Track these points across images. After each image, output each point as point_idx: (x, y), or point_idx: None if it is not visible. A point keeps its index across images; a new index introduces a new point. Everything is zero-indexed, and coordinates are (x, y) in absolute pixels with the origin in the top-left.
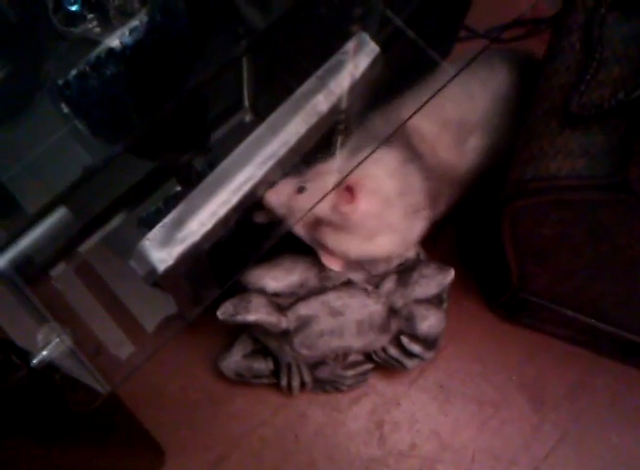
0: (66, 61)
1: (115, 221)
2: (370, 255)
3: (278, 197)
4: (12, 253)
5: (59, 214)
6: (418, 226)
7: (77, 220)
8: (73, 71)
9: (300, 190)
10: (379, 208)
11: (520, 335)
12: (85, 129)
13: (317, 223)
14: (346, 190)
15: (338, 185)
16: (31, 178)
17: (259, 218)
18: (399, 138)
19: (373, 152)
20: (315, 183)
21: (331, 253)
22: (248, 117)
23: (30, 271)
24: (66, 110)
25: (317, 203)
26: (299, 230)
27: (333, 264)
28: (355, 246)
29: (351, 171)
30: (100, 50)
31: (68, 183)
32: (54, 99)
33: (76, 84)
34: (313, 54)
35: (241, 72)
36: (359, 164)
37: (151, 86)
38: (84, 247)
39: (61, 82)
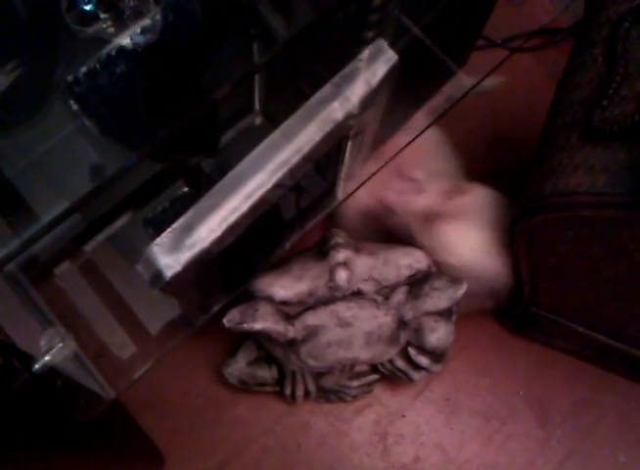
0: (79, 60)
1: (121, 221)
2: (477, 247)
3: (396, 196)
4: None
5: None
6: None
7: (84, 220)
8: (83, 69)
9: (419, 190)
10: (484, 201)
11: (528, 349)
12: (94, 128)
13: (430, 217)
14: (459, 189)
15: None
16: (39, 176)
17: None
18: None
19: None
20: (430, 186)
21: (444, 247)
22: (258, 121)
23: (35, 271)
24: (74, 107)
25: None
26: (416, 225)
27: (447, 258)
28: (465, 233)
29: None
30: (110, 48)
31: (75, 183)
32: (64, 97)
33: (86, 81)
34: (327, 59)
35: (252, 76)
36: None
37: (161, 86)
38: (89, 246)
39: (70, 79)
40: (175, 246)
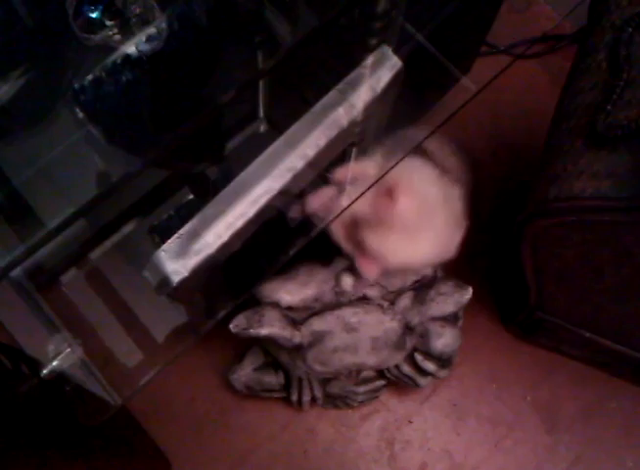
0: (85, 68)
1: (128, 229)
2: (409, 256)
3: (319, 200)
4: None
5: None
6: (458, 236)
7: (90, 227)
8: (89, 77)
9: (341, 192)
10: (418, 208)
11: (535, 355)
12: (100, 135)
13: (356, 224)
14: (387, 190)
15: (373, 185)
16: (45, 183)
17: (294, 214)
18: (423, 154)
19: (403, 158)
20: (354, 186)
21: (369, 256)
22: (262, 128)
23: (42, 278)
24: (80, 115)
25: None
26: (338, 230)
27: (368, 270)
28: (395, 244)
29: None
30: (116, 56)
31: (81, 190)
32: (70, 104)
33: (92, 89)
34: (332, 66)
35: (256, 83)
36: (392, 167)
37: (166, 95)
38: (95, 253)
39: (76, 87)
40: (182, 252)
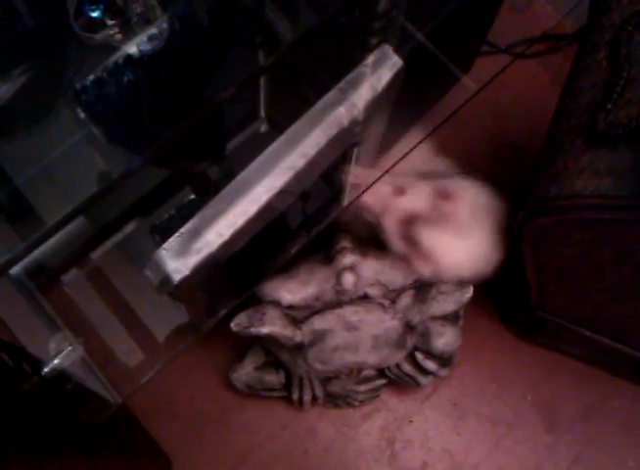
0: (86, 67)
1: (128, 228)
2: (459, 258)
3: (375, 198)
4: (25, 258)
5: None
6: (500, 246)
7: (91, 226)
8: (91, 77)
9: (400, 192)
10: (472, 213)
11: (535, 354)
12: (101, 135)
13: (412, 221)
14: (446, 192)
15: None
16: (47, 183)
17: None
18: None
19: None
20: (414, 188)
21: (422, 253)
22: (263, 128)
23: (43, 277)
24: (82, 115)
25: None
26: (391, 227)
27: (423, 266)
28: (448, 244)
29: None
30: (117, 56)
31: (82, 190)
32: (72, 104)
33: (93, 90)
34: (333, 65)
35: (257, 83)
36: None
37: (167, 95)
38: (97, 253)
39: (78, 87)
40: (183, 250)
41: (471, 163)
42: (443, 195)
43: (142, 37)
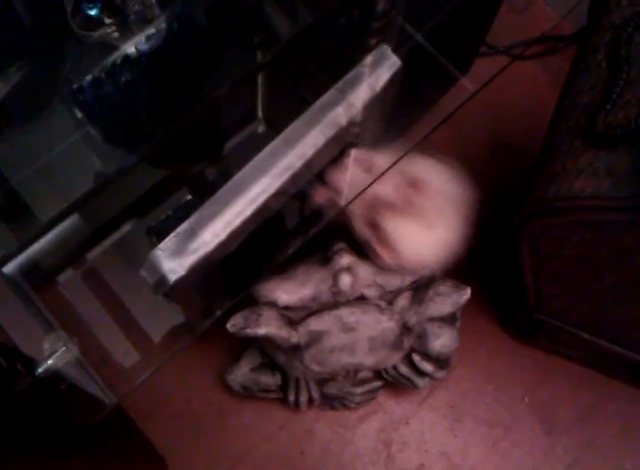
0: (83, 65)
1: (125, 229)
2: (423, 248)
3: (343, 176)
4: (20, 257)
5: (68, 220)
6: (468, 237)
7: (87, 226)
8: (88, 77)
9: (368, 170)
10: (439, 203)
11: (533, 356)
12: (98, 135)
13: (377, 208)
14: (413, 180)
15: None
16: (43, 182)
17: (320, 198)
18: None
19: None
20: (380, 169)
21: (386, 241)
22: (261, 129)
23: (38, 277)
24: (79, 115)
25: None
26: (357, 211)
27: (385, 254)
28: (413, 231)
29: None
30: (115, 56)
31: (79, 190)
32: (68, 104)
33: (91, 90)
34: (331, 65)
35: (255, 83)
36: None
37: (165, 94)
38: (93, 253)
39: (75, 87)
40: (179, 250)
41: (467, 163)
42: (413, 184)
43: (140, 37)
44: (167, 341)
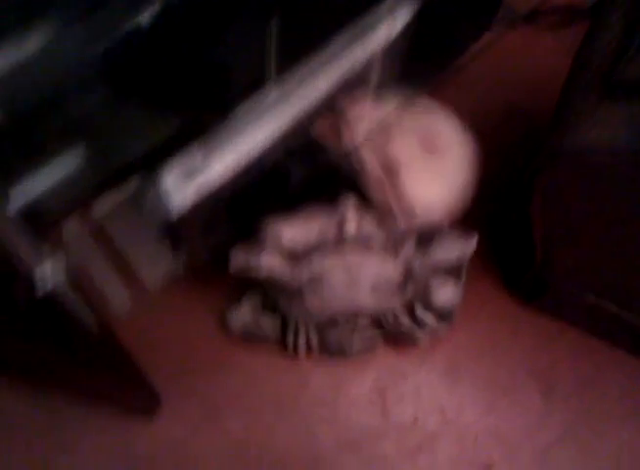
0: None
1: (132, 183)
2: (434, 199)
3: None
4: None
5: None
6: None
7: (93, 173)
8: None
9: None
10: (453, 156)
11: (536, 321)
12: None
13: (391, 159)
14: (432, 146)
15: None
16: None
17: (324, 127)
18: None
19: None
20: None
21: (397, 193)
22: (272, 92)
23: (40, 216)
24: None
25: None
26: (371, 162)
27: (395, 206)
28: (425, 184)
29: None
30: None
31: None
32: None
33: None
34: (347, 11)
35: (265, 40)
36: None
37: (176, 49)
38: (99, 203)
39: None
40: (185, 181)
41: (480, 124)
42: (430, 147)
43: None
44: (166, 275)
